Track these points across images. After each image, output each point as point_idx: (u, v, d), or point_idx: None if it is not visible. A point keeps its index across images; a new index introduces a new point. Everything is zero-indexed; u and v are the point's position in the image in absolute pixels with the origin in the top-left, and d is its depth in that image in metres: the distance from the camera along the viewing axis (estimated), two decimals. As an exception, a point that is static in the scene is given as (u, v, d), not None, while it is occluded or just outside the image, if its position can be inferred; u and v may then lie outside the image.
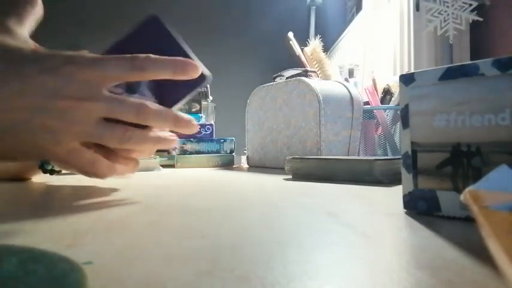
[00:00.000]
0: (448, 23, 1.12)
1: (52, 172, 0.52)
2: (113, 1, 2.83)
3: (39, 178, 0.56)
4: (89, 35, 2.82)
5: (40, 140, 0.32)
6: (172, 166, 0.87)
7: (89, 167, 0.34)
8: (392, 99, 0.93)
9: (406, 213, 0.27)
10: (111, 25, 2.91)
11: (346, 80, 1.00)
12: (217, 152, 0.92)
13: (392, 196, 0.36)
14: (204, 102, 1.03)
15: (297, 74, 0.86)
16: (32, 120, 0.31)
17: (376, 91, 0.95)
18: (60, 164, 0.36)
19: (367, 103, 0.93)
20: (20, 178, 0.53)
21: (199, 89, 0.34)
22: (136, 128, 0.34)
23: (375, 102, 0.94)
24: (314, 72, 0.88)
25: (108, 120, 0.33)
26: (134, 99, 0.34)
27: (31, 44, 0.34)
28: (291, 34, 0.99)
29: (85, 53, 0.34)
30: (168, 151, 0.91)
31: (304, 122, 0.74)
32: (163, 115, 0.34)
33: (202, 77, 0.35)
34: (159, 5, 2.86)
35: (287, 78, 0.86)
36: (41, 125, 0.31)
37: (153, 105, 0.34)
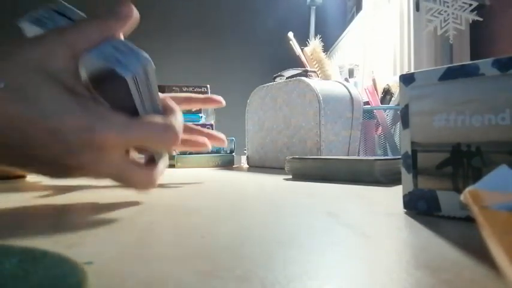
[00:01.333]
0: (448, 23, 1.12)
1: None
2: (113, 1, 2.84)
3: (37, 177, 0.56)
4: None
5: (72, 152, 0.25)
6: (172, 166, 0.87)
7: (141, 178, 0.30)
8: (393, 99, 0.93)
9: (406, 213, 0.27)
10: (111, 25, 2.91)
11: (346, 80, 1.00)
12: (217, 152, 0.92)
13: (392, 196, 0.36)
14: (204, 102, 1.03)
15: (297, 74, 0.86)
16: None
17: (376, 91, 0.95)
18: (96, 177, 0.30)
19: (367, 103, 0.93)
20: (14, 176, 0.51)
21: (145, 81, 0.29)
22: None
23: (375, 102, 0.94)
24: (314, 72, 0.88)
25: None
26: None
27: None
28: (291, 34, 0.99)
29: None
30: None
31: (304, 122, 0.74)
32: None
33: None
34: (159, 5, 2.86)
35: (287, 78, 0.86)
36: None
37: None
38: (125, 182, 0.29)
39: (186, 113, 1.00)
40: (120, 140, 0.26)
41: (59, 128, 0.24)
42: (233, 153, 0.93)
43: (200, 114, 1.01)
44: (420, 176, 0.26)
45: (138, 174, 0.29)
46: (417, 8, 1.26)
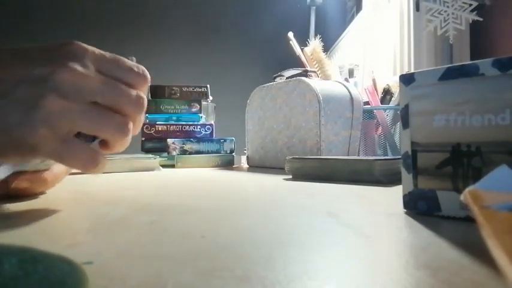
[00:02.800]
0: (448, 23, 1.12)
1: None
2: (113, 0, 2.83)
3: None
4: (89, 34, 2.82)
5: (18, 128, 0.25)
6: (172, 166, 0.87)
7: (91, 160, 0.28)
8: (393, 99, 0.93)
9: (406, 213, 0.27)
10: (111, 25, 2.91)
11: (346, 80, 1.00)
12: (217, 152, 0.92)
13: (392, 196, 0.36)
14: (204, 102, 1.03)
15: (297, 74, 0.86)
16: (9, 94, 0.26)
17: (376, 91, 0.95)
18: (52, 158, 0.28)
19: (367, 103, 0.93)
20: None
21: None
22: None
23: (375, 102, 0.94)
24: (314, 72, 0.88)
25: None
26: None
27: None
28: (291, 34, 0.99)
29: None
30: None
31: (304, 122, 0.74)
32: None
33: None
34: (159, 5, 2.86)
35: (287, 78, 0.86)
36: (22, 99, 0.26)
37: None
38: (65, 161, 0.28)
39: (186, 113, 1.00)
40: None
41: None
42: (233, 153, 0.93)
43: (200, 115, 1.01)
44: (420, 176, 0.26)
45: (79, 154, 0.28)
46: (417, 8, 1.26)
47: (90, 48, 0.29)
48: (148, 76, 0.32)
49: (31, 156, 0.28)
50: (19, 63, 0.27)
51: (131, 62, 0.31)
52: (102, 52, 0.30)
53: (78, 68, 0.27)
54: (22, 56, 0.28)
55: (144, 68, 0.31)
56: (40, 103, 0.26)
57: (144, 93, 0.31)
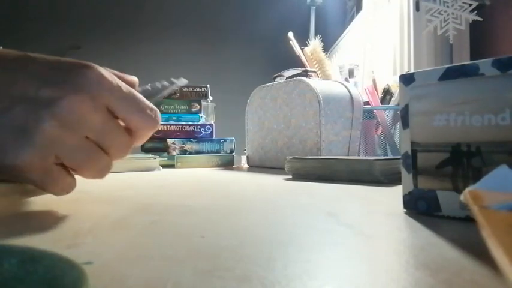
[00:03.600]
0: (448, 23, 1.12)
1: None
2: (113, 0, 2.83)
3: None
4: (89, 35, 2.82)
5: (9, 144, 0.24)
6: (172, 166, 0.87)
7: (69, 187, 0.28)
8: (393, 99, 0.93)
9: (406, 213, 0.27)
10: (111, 25, 2.91)
11: (346, 80, 1.00)
12: (217, 152, 0.92)
13: (392, 196, 0.36)
14: (204, 102, 1.03)
15: (297, 74, 0.86)
16: (9, 111, 0.24)
17: (376, 91, 0.95)
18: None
19: (367, 103, 0.93)
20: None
21: None
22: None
23: (375, 102, 0.94)
24: (314, 72, 0.88)
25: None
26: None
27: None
28: (291, 34, 0.99)
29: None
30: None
31: (304, 122, 0.74)
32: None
33: None
34: (158, 5, 2.86)
35: (287, 78, 0.86)
36: (20, 120, 0.24)
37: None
38: (46, 189, 0.27)
39: (186, 113, 1.00)
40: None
41: None
42: (233, 153, 0.93)
43: (200, 115, 1.01)
44: (420, 176, 0.26)
45: (61, 183, 0.27)
46: (417, 8, 1.26)
47: (108, 76, 0.27)
48: (159, 121, 0.30)
49: (10, 178, 0.27)
50: (27, 78, 0.25)
51: (146, 103, 0.29)
52: (120, 84, 0.27)
53: (87, 101, 0.25)
54: (32, 71, 0.26)
55: (158, 112, 0.30)
56: (39, 128, 0.24)
57: (149, 135, 0.30)
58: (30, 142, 0.24)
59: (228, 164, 0.90)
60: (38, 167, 0.25)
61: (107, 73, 0.27)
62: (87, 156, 0.27)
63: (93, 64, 0.27)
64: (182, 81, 0.33)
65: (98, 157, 0.27)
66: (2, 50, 0.26)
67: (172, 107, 1.00)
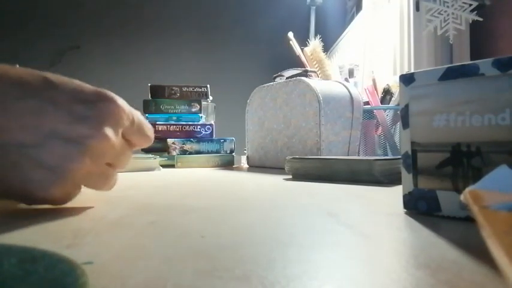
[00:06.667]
0: (448, 23, 1.12)
1: None
2: (113, 0, 2.83)
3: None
4: (89, 35, 2.82)
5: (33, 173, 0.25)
6: (172, 166, 0.87)
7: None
8: (393, 99, 0.93)
9: (406, 213, 0.27)
10: (111, 24, 2.91)
11: (346, 80, 1.00)
12: (217, 152, 0.92)
13: (392, 196, 0.36)
14: (204, 102, 1.03)
15: (297, 74, 0.86)
16: (41, 147, 0.25)
17: (376, 91, 0.95)
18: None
19: (367, 103, 0.93)
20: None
21: None
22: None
23: (375, 102, 0.94)
24: (314, 72, 0.88)
25: None
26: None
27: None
28: (291, 34, 0.99)
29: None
30: None
31: (304, 122, 0.74)
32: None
33: None
34: (158, 5, 2.86)
35: (287, 78, 0.86)
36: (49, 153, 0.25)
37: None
38: (59, 204, 0.29)
39: (186, 113, 1.00)
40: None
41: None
42: (233, 153, 0.93)
43: (200, 115, 1.01)
44: (420, 176, 0.26)
45: (73, 197, 0.30)
46: (417, 8, 1.26)
47: (127, 110, 0.29)
48: (153, 138, 0.34)
49: (25, 203, 0.28)
50: (56, 110, 0.26)
51: (148, 126, 0.33)
52: (133, 113, 0.31)
53: (112, 137, 0.27)
54: (58, 101, 0.26)
55: (152, 131, 0.33)
56: (68, 165, 0.25)
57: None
58: (60, 180, 0.26)
59: (228, 164, 0.90)
60: (60, 193, 0.27)
61: (124, 104, 0.29)
62: (106, 179, 0.30)
63: (112, 95, 0.29)
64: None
65: (109, 178, 0.30)
66: (22, 73, 0.26)
67: (173, 107, 1.00)
